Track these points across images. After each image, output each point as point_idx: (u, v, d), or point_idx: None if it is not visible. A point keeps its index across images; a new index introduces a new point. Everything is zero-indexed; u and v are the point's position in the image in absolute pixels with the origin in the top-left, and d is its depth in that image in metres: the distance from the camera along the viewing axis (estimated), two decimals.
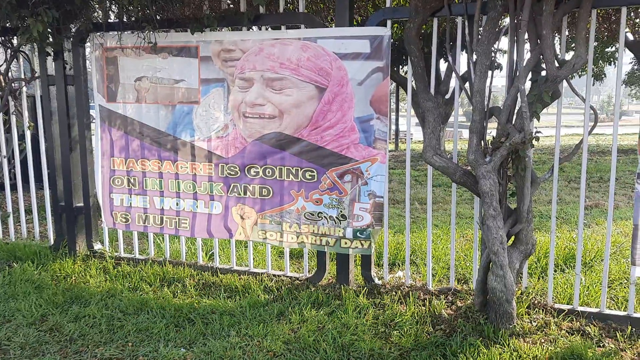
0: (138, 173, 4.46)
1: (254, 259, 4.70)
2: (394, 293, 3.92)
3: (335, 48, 3.78)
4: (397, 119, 21.18)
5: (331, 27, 3.93)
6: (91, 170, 4.74)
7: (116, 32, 4.23)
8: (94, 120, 4.61)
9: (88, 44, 4.51)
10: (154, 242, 4.98)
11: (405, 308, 3.70)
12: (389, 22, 3.75)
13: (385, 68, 3.73)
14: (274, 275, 4.37)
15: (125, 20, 4.23)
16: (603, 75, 16.27)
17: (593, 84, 17.69)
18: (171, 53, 4.20)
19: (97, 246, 4.93)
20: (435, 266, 4.58)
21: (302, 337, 3.31)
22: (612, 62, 15.27)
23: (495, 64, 3.66)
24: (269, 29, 4.16)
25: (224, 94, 4.11)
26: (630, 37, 12.19)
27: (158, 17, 4.14)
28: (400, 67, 13.11)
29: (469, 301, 3.72)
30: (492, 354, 3.03)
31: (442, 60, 12.83)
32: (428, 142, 3.58)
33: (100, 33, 4.33)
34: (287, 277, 4.35)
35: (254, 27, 4.32)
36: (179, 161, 4.32)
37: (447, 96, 12.65)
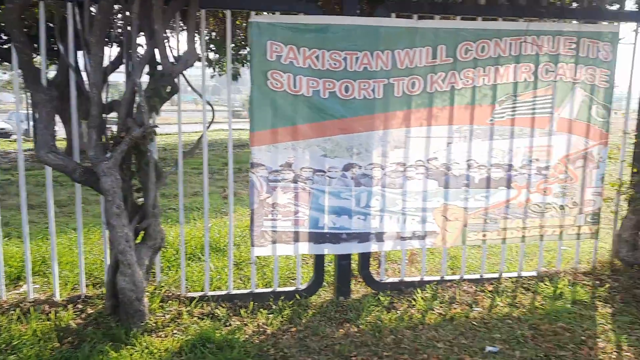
0: None
1: None
2: (12, 312, 3.42)
3: None
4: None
5: None
6: None
7: None
8: None
9: None
10: None
11: (26, 327, 3.25)
12: None
13: None
14: None
15: None
16: (239, 75, 17.80)
17: (233, 83, 19.27)
18: None
19: None
20: (70, 274, 4.19)
21: None
22: (245, 64, 16.89)
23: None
24: None
25: None
26: None
27: None
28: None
29: (100, 306, 3.53)
30: (122, 357, 2.92)
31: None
32: (41, 139, 3.22)
33: None
34: None
35: None
36: None
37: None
